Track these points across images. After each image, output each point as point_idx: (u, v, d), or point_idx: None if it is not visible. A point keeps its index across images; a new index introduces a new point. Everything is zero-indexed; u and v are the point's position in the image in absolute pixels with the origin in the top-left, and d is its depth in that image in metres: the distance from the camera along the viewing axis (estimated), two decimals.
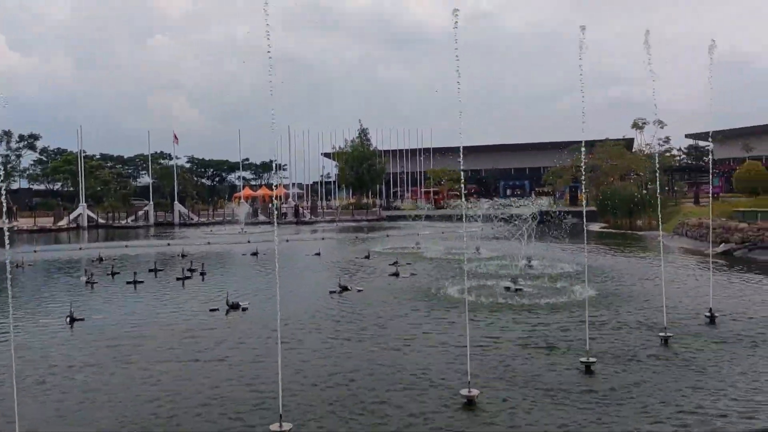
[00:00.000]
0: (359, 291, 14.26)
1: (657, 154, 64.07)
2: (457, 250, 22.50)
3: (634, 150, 67.91)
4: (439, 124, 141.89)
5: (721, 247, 21.95)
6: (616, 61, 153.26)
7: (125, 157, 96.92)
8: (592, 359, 7.76)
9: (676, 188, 66.09)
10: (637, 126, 66.31)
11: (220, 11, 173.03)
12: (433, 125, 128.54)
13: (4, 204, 5.15)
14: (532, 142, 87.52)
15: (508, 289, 13.53)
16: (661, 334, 9.13)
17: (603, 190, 46.75)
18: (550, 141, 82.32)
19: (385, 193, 71.51)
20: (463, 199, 10.32)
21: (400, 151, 79.03)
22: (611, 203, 41.37)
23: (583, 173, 11.42)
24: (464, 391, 6.60)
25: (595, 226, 39.55)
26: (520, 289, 13.44)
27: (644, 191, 40.18)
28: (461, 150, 7.55)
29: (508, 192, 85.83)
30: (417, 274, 16.92)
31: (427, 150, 78.16)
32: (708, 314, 10.37)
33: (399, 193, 79.31)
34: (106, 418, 6.45)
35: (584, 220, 10.40)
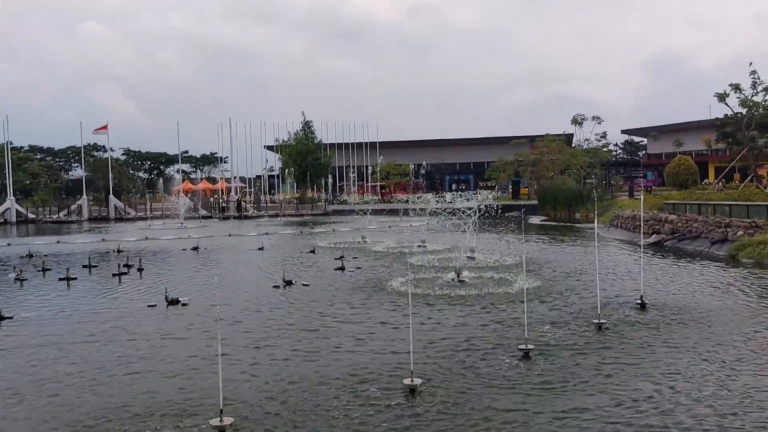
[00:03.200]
0: (304, 285, 14.15)
1: (594, 149, 66.41)
2: (402, 244, 22.67)
3: (573, 145, 70.12)
4: (385, 118, 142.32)
5: (653, 238, 22.97)
6: (558, 59, 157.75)
7: (56, 149, 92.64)
8: (530, 346, 7.98)
9: (612, 182, 68.71)
10: (577, 122, 68.49)
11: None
12: (379, 119, 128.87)
13: None
14: (476, 137, 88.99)
15: (452, 280, 13.73)
16: (595, 321, 9.48)
17: (543, 184, 48.11)
18: (493, 136, 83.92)
19: (331, 187, 71.09)
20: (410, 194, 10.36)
21: (346, 144, 78.79)
22: (551, 197, 42.63)
23: (520, 168, 11.65)
24: (407, 381, 6.65)
25: (536, 219, 40.65)
26: (463, 281, 13.66)
27: (582, 185, 41.61)
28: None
29: (454, 186, 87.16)
30: (363, 268, 16.94)
31: (373, 144, 78.23)
32: (639, 301, 10.83)
33: (345, 187, 79.09)
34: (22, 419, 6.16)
35: (523, 214, 10.66)
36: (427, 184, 78.46)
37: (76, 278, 15.76)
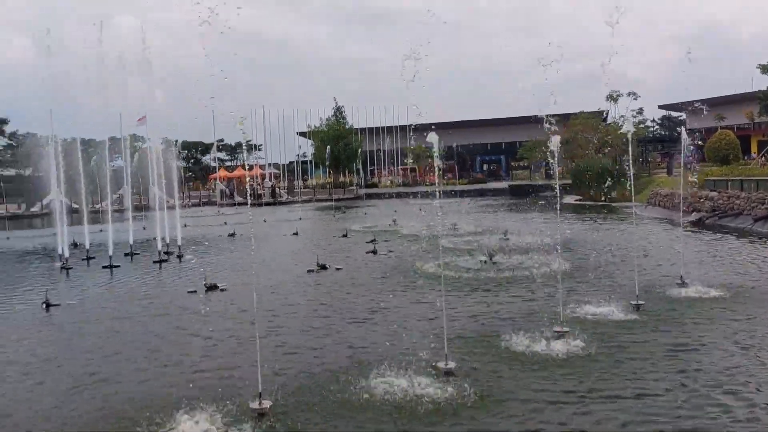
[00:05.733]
0: (338, 269, 14.32)
1: (631, 125, 64.82)
2: (434, 227, 22.65)
3: (608, 122, 68.60)
4: (415, 100, 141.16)
5: (693, 216, 22.43)
6: (591, 33, 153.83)
7: (97, 140, 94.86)
8: (565, 328, 7.94)
9: (649, 159, 67.10)
10: (612, 98, 66.88)
11: None
12: (409, 102, 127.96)
13: None
14: (507, 116, 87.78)
15: (484, 262, 13.70)
16: (632, 302, 9.36)
17: (578, 162, 47.26)
18: (525, 115, 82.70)
19: (362, 172, 71.27)
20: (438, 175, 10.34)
21: (377, 128, 78.72)
22: (586, 176, 41.87)
23: (557, 147, 11.42)
24: (441, 364, 6.71)
25: (570, 199, 40.05)
26: (496, 263, 13.62)
27: (618, 163, 40.72)
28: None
29: (485, 167, 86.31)
30: (395, 251, 17.03)
31: (404, 127, 77.93)
32: (679, 281, 10.64)
33: (376, 171, 79.19)
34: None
35: (558, 194, 10.54)
36: (458, 165, 77.84)
37: (119, 266, 16.26)
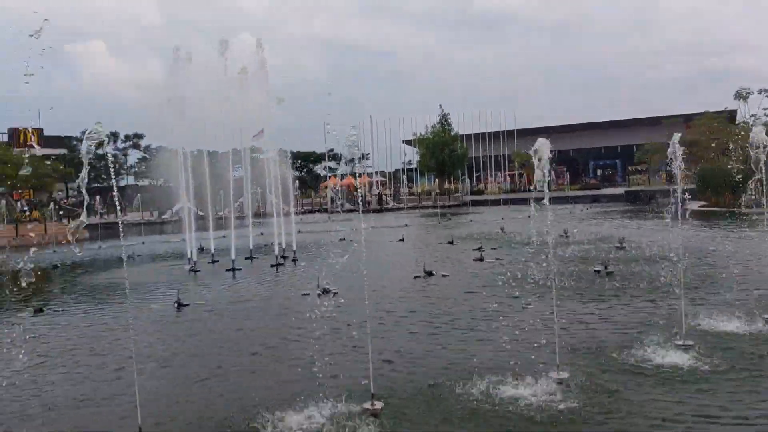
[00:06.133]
0: (444, 276, 14.39)
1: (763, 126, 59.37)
2: (543, 234, 22.05)
3: (737, 123, 63.24)
4: (522, 105, 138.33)
5: None
6: (713, 28, 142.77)
7: (220, 152, 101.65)
8: (688, 342, 7.50)
9: None
10: (741, 96, 61.60)
11: (298, 6, 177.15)
12: (516, 107, 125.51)
13: (117, 199, 5.73)
14: (623, 118, 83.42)
15: (597, 272, 13.19)
16: (766, 315, 8.65)
17: (703, 166, 44.02)
18: (642, 117, 78.18)
19: (467, 178, 70.83)
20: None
21: (483, 134, 77.91)
22: (712, 180, 38.91)
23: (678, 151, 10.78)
24: (553, 374, 6.60)
25: (694, 205, 37.35)
26: (611, 273, 13.07)
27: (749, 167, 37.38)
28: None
29: (598, 172, 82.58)
30: (502, 259, 16.82)
31: (510, 132, 76.59)
32: None
33: (483, 177, 78.31)
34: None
35: (679, 199, 9.97)
36: (569, 170, 75.13)
37: (240, 269, 17.38)
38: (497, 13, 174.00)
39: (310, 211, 53.70)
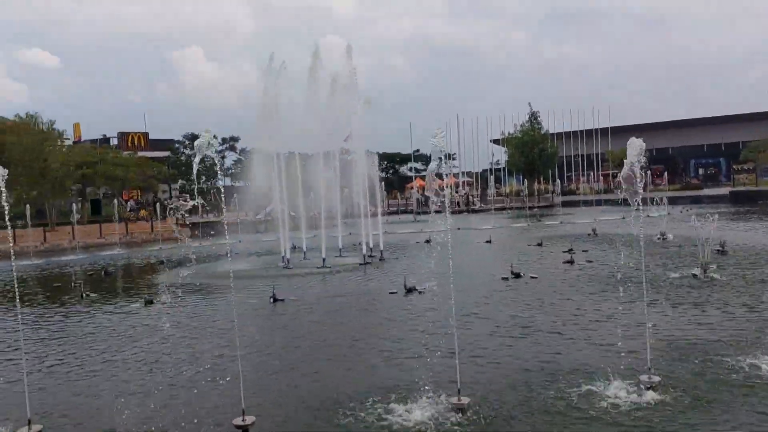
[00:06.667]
0: (533, 278, 14.25)
1: None
2: (638, 236, 21.24)
3: None
4: (616, 101, 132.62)
5: None
6: None
7: (310, 154, 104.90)
8: None
9: None
10: None
11: (385, 8, 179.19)
12: (610, 103, 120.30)
13: (219, 200, 6.25)
14: (727, 114, 78.06)
15: (695, 276, 12.61)
16: None
17: None
18: (748, 112, 72.88)
19: (558, 178, 68.85)
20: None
21: (574, 132, 75.49)
22: None
23: None
24: (644, 377, 6.49)
25: None
26: (711, 277, 12.46)
27: None
28: None
29: (700, 171, 77.85)
30: (594, 261, 16.40)
31: (604, 130, 73.70)
32: None
33: (574, 177, 75.88)
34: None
35: None
36: (668, 170, 71.34)
37: (329, 267, 18.02)
38: (589, 6, 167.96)
39: (396, 212, 54.29)
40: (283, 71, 20.89)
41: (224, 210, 22.60)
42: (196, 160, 5.90)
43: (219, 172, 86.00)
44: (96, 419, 6.57)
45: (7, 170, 5.83)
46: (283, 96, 21.16)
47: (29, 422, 5.90)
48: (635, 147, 6.23)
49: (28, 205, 32.71)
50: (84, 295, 14.89)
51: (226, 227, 7.68)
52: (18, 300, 8.21)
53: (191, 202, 7.00)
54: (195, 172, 6.32)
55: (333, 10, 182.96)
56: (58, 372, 8.51)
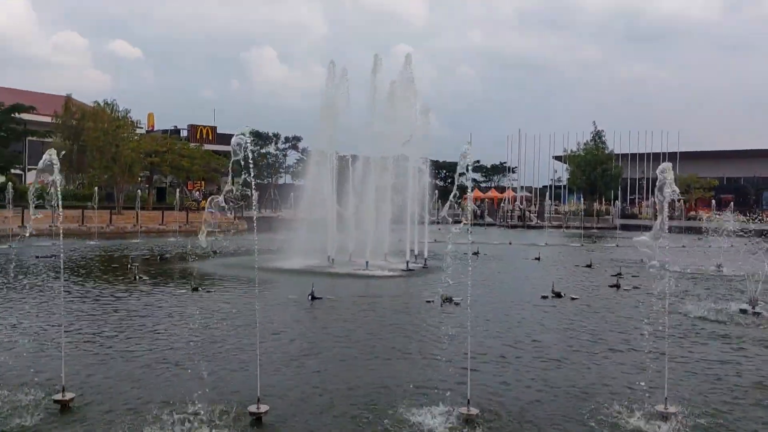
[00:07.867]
0: (573, 299, 14.04)
1: None
2: (694, 266, 20.52)
3: None
4: (688, 126, 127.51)
5: None
6: None
7: (369, 158, 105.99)
8: None
9: None
10: None
11: (454, 18, 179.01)
12: (680, 128, 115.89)
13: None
14: None
15: (744, 312, 12.12)
16: None
17: None
18: None
19: (620, 200, 66.84)
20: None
21: (641, 154, 73.16)
22: None
23: None
24: (660, 407, 6.38)
25: None
26: (759, 313, 11.94)
27: None
28: None
29: None
30: (640, 288, 15.95)
31: (672, 154, 71.07)
32: None
33: (637, 200, 73.45)
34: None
35: None
36: (738, 200, 68.02)
37: (371, 270, 18.27)
38: (667, 26, 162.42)
39: (448, 222, 54.14)
40: (346, 77, 21.45)
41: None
42: (233, 159, 6.23)
43: (281, 170, 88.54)
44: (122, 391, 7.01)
45: (63, 152, 6.33)
46: (344, 100, 21.68)
47: (63, 389, 6.37)
48: (665, 171, 6.13)
49: (97, 188, 34.65)
50: (137, 277, 15.73)
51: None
52: (62, 276, 8.74)
53: (230, 194, 7.33)
54: (230, 168, 6.68)
55: (404, 18, 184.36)
56: (92, 345, 9.06)
